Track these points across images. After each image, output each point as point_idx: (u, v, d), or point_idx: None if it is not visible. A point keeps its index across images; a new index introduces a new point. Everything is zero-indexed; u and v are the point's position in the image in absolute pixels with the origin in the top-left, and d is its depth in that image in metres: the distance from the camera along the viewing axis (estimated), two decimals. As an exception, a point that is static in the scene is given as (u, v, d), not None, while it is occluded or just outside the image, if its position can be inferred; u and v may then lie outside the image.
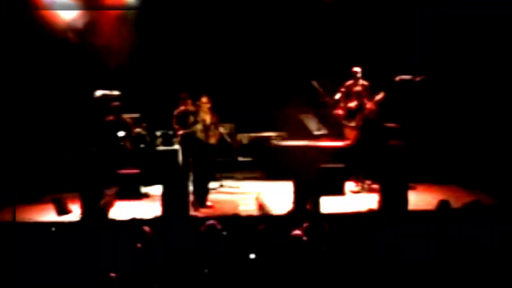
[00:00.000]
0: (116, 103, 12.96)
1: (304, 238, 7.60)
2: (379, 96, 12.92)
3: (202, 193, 11.59)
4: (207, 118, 11.47)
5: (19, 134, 13.46)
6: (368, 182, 12.62)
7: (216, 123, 11.66)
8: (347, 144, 12.94)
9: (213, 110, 11.64)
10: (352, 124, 12.86)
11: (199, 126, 11.45)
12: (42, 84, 14.38)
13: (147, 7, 14.96)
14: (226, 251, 7.51)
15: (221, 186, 12.95)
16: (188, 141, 11.87)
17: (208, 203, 11.64)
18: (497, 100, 13.66)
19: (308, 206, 10.58)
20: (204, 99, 11.55)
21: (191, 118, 11.57)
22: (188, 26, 15.39)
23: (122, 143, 12.61)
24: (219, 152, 11.63)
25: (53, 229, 8.44)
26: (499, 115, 13.57)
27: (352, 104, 13.01)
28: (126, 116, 13.30)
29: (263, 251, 7.52)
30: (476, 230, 7.91)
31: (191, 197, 11.34)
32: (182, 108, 12.42)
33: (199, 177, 11.52)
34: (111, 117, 12.87)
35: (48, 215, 11.21)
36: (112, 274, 6.94)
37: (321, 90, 13.03)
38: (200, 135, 11.45)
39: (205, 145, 11.49)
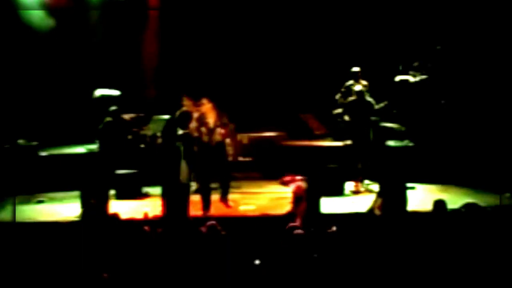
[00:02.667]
0: (114, 107, 12.98)
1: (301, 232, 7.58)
2: (381, 104, 12.96)
3: (206, 194, 11.50)
4: (210, 120, 11.41)
5: (20, 132, 13.50)
6: (368, 182, 12.62)
7: (223, 124, 11.55)
8: (347, 144, 12.96)
9: (219, 110, 11.55)
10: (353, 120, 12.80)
11: (203, 129, 11.39)
12: (44, 83, 14.45)
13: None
14: (226, 251, 7.51)
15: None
16: (187, 141, 11.87)
17: (230, 203, 11.57)
18: (498, 97, 13.66)
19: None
20: (204, 101, 11.47)
21: (194, 123, 11.51)
22: (187, 26, 15.42)
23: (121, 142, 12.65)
24: (222, 153, 11.55)
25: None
26: (500, 113, 13.56)
27: (351, 98, 13.00)
28: (127, 116, 13.34)
29: (265, 252, 7.53)
30: (472, 232, 7.92)
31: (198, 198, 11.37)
32: (183, 109, 12.44)
33: (203, 179, 11.48)
34: (109, 118, 12.88)
35: (48, 215, 11.22)
36: (105, 275, 6.95)
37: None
38: (204, 138, 11.41)
39: (208, 147, 11.43)
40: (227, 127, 11.61)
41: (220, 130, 11.41)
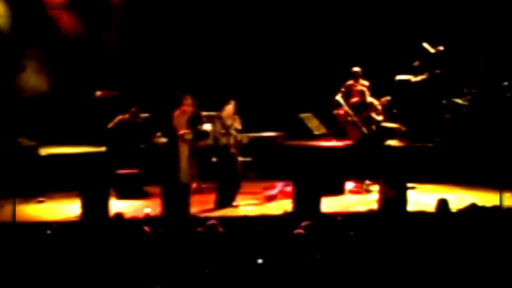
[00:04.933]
0: (134, 108, 12.97)
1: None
2: (384, 99, 12.93)
3: (228, 194, 11.63)
4: (229, 122, 11.60)
5: (21, 132, 13.51)
6: (368, 182, 12.60)
7: (237, 128, 11.69)
8: (347, 144, 12.95)
9: (236, 114, 11.73)
10: (356, 120, 12.76)
11: (221, 130, 11.57)
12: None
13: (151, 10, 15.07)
14: (226, 251, 7.51)
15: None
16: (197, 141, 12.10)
17: (234, 203, 11.65)
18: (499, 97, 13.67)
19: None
20: (230, 103, 11.63)
21: (218, 126, 11.66)
22: (187, 25, 15.42)
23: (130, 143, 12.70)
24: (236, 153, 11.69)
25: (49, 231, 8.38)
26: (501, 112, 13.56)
27: (354, 99, 12.99)
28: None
29: (264, 251, 7.52)
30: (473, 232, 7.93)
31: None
32: (183, 108, 12.50)
33: (224, 179, 11.58)
34: (124, 117, 12.86)
35: (48, 215, 11.21)
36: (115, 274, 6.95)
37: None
38: (222, 139, 11.58)
39: (225, 147, 11.58)
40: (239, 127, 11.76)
41: (235, 132, 11.58)
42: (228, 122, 11.63)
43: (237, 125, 11.74)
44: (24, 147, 13.24)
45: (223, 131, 11.58)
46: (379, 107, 12.88)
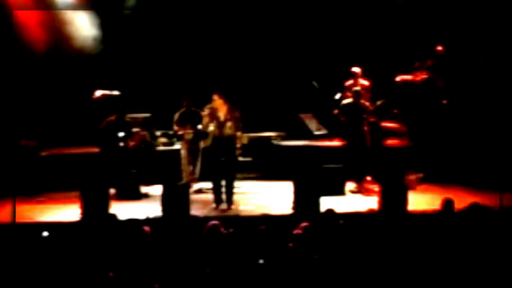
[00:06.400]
0: (121, 105, 12.95)
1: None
2: (378, 102, 12.94)
3: (224, 191, 11.58)
4: (221, 115, 11.51)
5: (21, 132, 13.50)
6: (368, 182, 12.57)
7: (236, 118, 11.60)
8: (345, 144, 12.94)
9: (231, 106, 11.61)
10: (345, 120, 12.80)
11: (214, 124, 11.50)
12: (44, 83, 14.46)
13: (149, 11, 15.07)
14: (227, 251, 7.51)
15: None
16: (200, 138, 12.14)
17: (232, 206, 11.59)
18: (500, 97, 13.66)
19: None
20: (215, 97, 11.55)
21: (206, 118, 11.60)
22: (188, 25, 15.42)
23: (123, 143, 12.64)
24: (232, 146, 11.59)
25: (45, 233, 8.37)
26: (501, 114, 13.55)
27: (346, 101, 12.98)
28: (129, 116, 13.31)
29: (264, 252, 7.53)
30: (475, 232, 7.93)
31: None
32: (183, 110, 12.53)
33: (218, 175, 11.54)
34: (113, 117, 12.83)
35: (48, 215, 11.21)
36: (111, 274, 6.94)
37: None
38: (215, 131, 11.51)
39: (220, 140, 11.50)
40: (239, 121, 11.67)
41: (230, 124, 11.49)
42: (220, 113, 11.54)
43: (232, 115, 11.59)
44: (25, 147, 13.23)
45: (214, 123, 11.50)
46: (371, 108, 12.86)
